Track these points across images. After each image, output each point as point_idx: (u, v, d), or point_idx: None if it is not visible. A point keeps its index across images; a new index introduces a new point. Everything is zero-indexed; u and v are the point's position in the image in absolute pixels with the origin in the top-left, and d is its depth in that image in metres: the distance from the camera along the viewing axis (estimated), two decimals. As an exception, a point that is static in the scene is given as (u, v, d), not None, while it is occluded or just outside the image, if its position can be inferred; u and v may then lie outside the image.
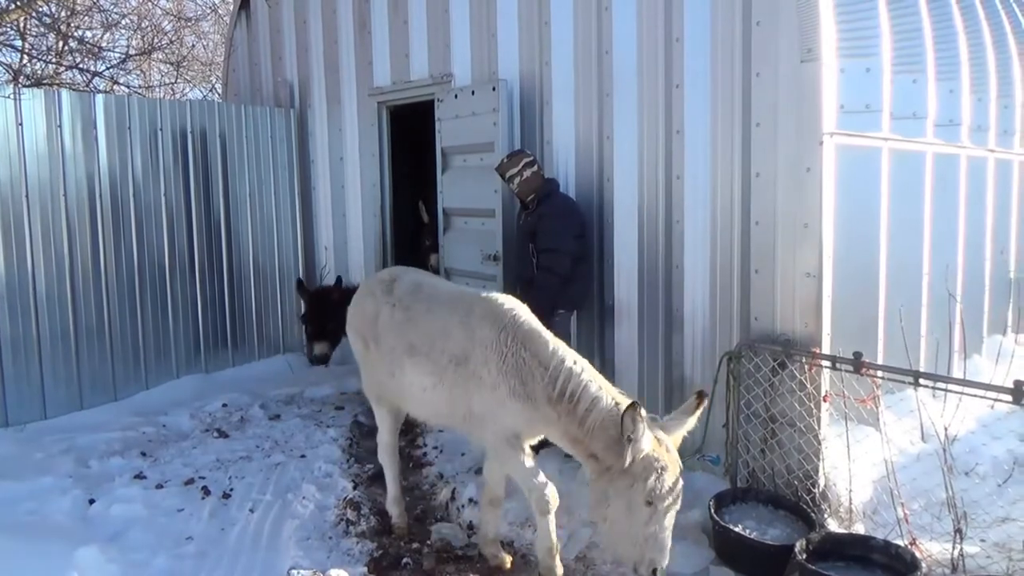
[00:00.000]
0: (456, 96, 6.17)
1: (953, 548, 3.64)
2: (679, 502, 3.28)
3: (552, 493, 3.62)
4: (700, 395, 3.35)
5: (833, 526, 4.02)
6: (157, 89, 12.86)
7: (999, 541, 3.85)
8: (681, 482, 3.28)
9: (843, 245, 4.30)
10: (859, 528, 4.03)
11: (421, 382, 3.90)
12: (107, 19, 9.80)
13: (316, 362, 6.48)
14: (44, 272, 6.13)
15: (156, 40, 9.19)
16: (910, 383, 3.77)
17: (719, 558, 3.94)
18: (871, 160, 4.53)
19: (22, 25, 8.99)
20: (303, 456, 5.52)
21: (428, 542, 4.28)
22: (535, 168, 5.15)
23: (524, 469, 3.62)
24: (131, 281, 6.73)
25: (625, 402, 3.31)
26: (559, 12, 5.46)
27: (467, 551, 4.19)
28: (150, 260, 6.87)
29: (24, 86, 7.63)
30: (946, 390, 3.89)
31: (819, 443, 4.13)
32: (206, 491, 4.89)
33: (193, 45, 13.17)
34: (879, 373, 3.93)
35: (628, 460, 3.15)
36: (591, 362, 3.61)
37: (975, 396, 3.60)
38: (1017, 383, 3.26)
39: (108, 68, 10.15)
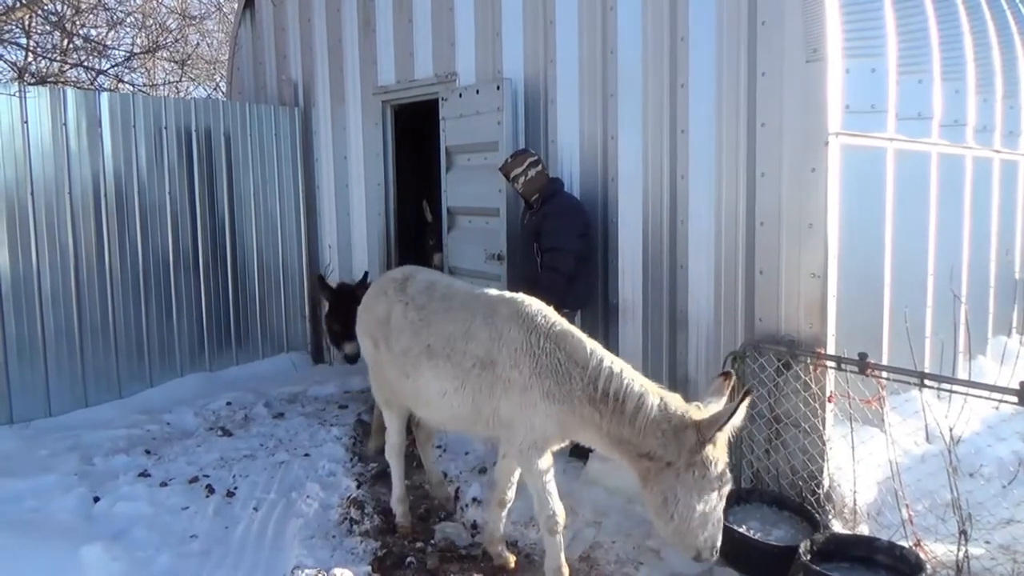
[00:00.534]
0: (460, 95, 6.16)
1: (958, 550, 3.62)
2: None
3: (561, 514, 3.63)
4: (727, 375, 3.43)
5: (837, 527, 4.02)
6: (162, 87, 12.89)
7: (1004, 543, 3.84)
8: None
9: (848, 245, 4.28)
10: (863, 529, 4.02)
11: (441, 386, 3.80)
12: (112, 17, 9.82)
13: (348, 361, 6.22)
14: (49, 270, 6.15)
15: (161, 38, 9.19)
16: (915, 384, 3.76)
17: (723, 559, 3.89)
18: (876, 160, 4.52)
19: (27, 23, 9.01)
20: (307, 455, 5.53)
21: (432, 541, 4.28)
22: (539, 167, 5.15)
23: (543, 482, 3.61)
24: (135, 279, 6.74)
25: (672, 398, 3.38)
26: (564, 11, 5.46)
27: (471, 550, 4.19)
28: (155, 258, 6.88)
29: (29, 84, 7.64)
30: (951, 391, 3.88)
31: (824, 444, 4.12)
32: (210, 489, 4.90)
33: (198, 43, 13.18)
34: (884, 374, 3.91)
35: (704, 453, 3.22)
36: None
37: (980, 397, 3.59)
38: (1023, 384, 3.25)
39: (113, 66, 10.17)
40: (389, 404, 4.42)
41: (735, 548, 3.85)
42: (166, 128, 6.95)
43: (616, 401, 3.35)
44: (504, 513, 4.02)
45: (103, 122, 6.48)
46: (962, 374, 5.08)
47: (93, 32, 10.02)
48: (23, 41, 8.86)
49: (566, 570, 3.70)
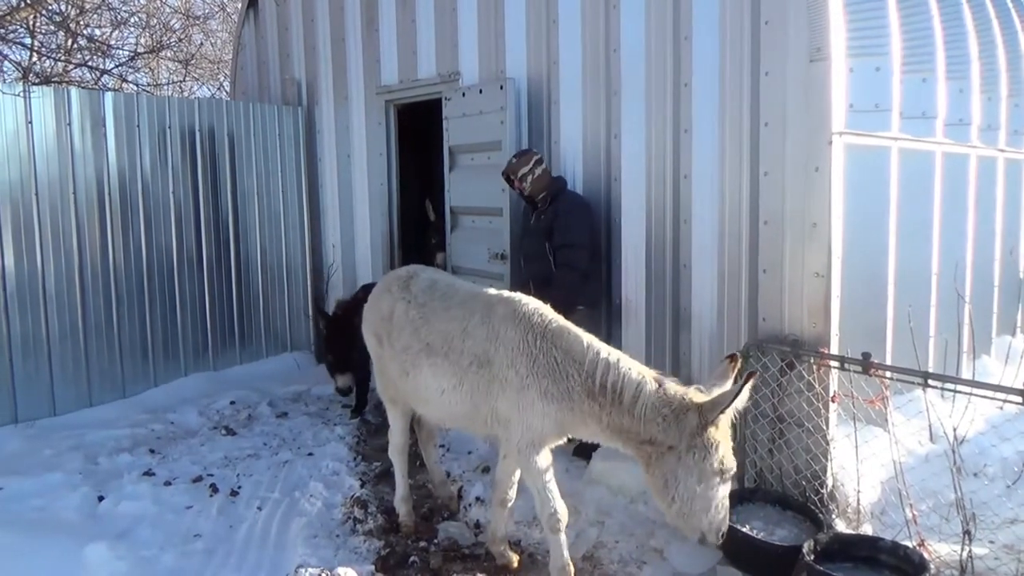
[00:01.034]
0: (464, 95, 6.17)
1: (962, 550, 3.62)
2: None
3: (564, 512, 3.63)
4: (733, 357, 3.44)
5: (841, 527, 4.01)
6: (166, 87, 12.91)
7: (1008, 543, 3.84)
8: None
9: (852, 245, 4.27)
10: (867, 529, 4.01)
11: (439, 384, 3.84)
12: (116, 17, 9.84)
13: (340, 394, 6.19)
14: (53, 270, 6.16)
15: (165, 38, 9.21)
16: (919, 384, 3.76)
17: (726, 558, 3.93)
18: (880, 160, 4.50)
19: (32, 23, 9.02)
20: (311, 454, 5.54)
21: (435, 540, 4.29)
22: (544, 166, 5.16)
23: (543, 481, 3.61)
24: (140, 279, 6.76)
25: (672, 382, 3.41)
26: (567, 11, 5.45)
27: (474, 550, 4.19)
28: (159, 258, 6.90)
29: (34, 84, 7.66)
30: (955, 391, 3.88)
31: (827, 443, 4.12)
32: (214, 488, 4.92)
33: (201, 43, 13.20)
34: (888, 374, 3.91)
35: (705, 435, 3.23)
36: None
37: (984, 397, 3.58)
38: (1027, 384, 3.25)
39: (117, 66, 10.19)
40: (394, 402, 4.44)
41: (739, 548, 3.85)
42: (170, 128, 6.96)
43: (614, 392, 3.37)
44: (506, 512, 4.02)
45: (107, 122, 6.49)
46: (966, 374, 5.07)
47: (97, 32, 10.04)
48: (27, 41, 8.87)
49: (571, 568, 3.70)
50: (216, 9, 12.58)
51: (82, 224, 6.34)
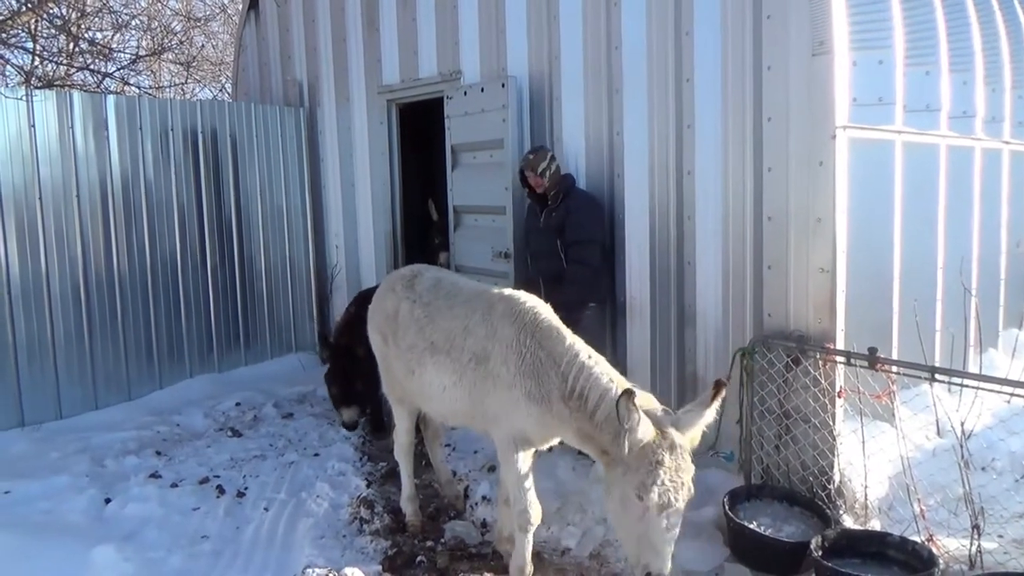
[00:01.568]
0: (465, 93, 6.16)
1: (971, 544, 3.61)
2: (678, 505, 2.96)
3: (535, 513, 3.60)
4: (718, 385, 3.07)
5: (849, 522, 4.00)
6: (167, 90, 12.91)
7: (1017, 537, 3.82)
8: (684, 483, 2.97)
9: (857, 240, 4.26)
10: (875, 524, 4.00)
11: (441, 380, 3.85)
12: (117, 20, 9.85)
13: (347, 428, 5.78)
14: (58, 272, 6.17)
15: (166, 40, 9.21)
16: (926, 378, 3.74)
17: (734, 555, 3.92)
18: (884, 153, 4.48)
19: (33, 27, 9.02)
20: (316, 455, 5.54)
21: (442, 540, 4.28)
22: (556, 162, 5.17)
23: (518, 478, 3.58)
24: (143, 281, 6.77)
25: (643, 397, 3.15)
26: (568, 8, 5.44)
27: (481, 549, 4.19)
28: (162, 260, 6.91)
29: (36, 87, 7.67)
30: (962, 385, 3.86)
31: (834, 439, 4.10)
32: (221, 490, 4.92)
33: (203, 45, 13.21)
34: (894, 368, 3.89)
35: (624, 449, 2.96)
36: None
37: (992, 391, 3.57)
38: (1035, 378, 3.23)
39: (119, 69, 10.20)
40: (400, 401, 4.43)
41: (747, 544, 3.85)
42: (172, 130, 6.96)
43: (581, 397, 3.28)
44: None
45: (110, 125, 6.50)
46: (973, 368, 5.05)
47: (99, 35, 10.05)
48: (29, 45, 8.88)
49: (530, 569, 3.70)
50: (217, 11, 12.58)
51: (86, 227, 6.35)
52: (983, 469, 4.29)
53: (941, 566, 3.47)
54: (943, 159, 4.90)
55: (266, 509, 4.68)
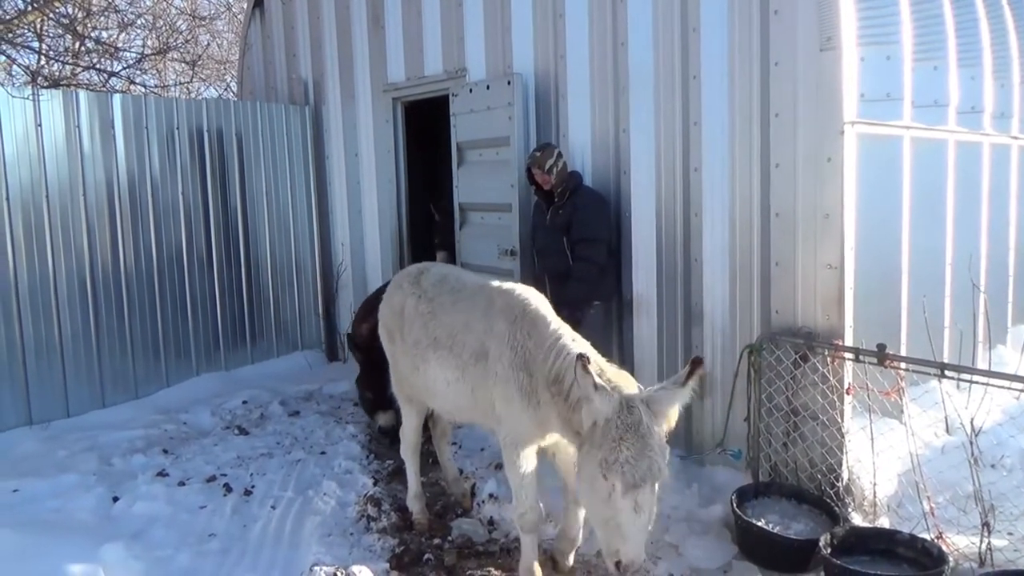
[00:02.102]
0: (471, 91, 6.15)
1: (980, 541, 3.59)
2: (645, 486, 2.79)
3: (535, 516, 3.57)
4: (695, 362, 2.88)
5: (857, 520, 3.99)
6: (173, 88, 12.93)
7: (1027, 534, 3.80)
8: (654, 462, 2.78)
9: (865, 236, 4.24)
10: (883, 522, 3.98)
11: (444, 376, 3.84)
12: (123, 19, 9.86)
13: (383, 435, 5.58)
14: (65, 271, 6.17)
15: (172, 39, 9.22)
16: (935, 375, 3.72)
17: (742, 552, 3.91)
18: (893, 149, 4.47)
19: (39, 26, 9.05)
20: (323, 453, 5.54)
21: (449, 538, 4.28)
22: (564, 160, 5.17)
23: (520, 479, 3.54)
24: (150, 280, 6.77)
25: (618, 375, 3.05)
26: (573, 4, 5.42)
27: (488, 547, 4.18)
28: (168, 259, 6.91)
29: (42, 87, 7.68)
30: (972, 381, 3.84)
31: (842, 436, 4.09)
32: (228, 488, 4.92)
33: (208, 44, 13.22)
34: (903, 365, 3.87)
35: (585, 421, 2.85)
36: (609, 357, 3.51)
37: (1002, 387, 3.55)
38: (1046, 374, 3.21)
39: (124, 68, 10.22)
40: (409, 400, 4.43)
41: (755, 542, 3.83)
42: (178, 129, 6.97)
43: (558, 379, 3.19)
44: (582, 512, 3.75)
45: (116, 124, 6.50)
46: (981, 364, 5.03)
47: (104, 34, 10.06)
48: (35, 45, 8.90)
49: (538, 571, 3.66)
50: (222, 9, 12.59)
51: (92, 226, 6.35)
52: (992, 466, 4.27)
53: (951, 563, 3.45)
54: (951, 155, 4.88)
55: (273, 507, 4.68)
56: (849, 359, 4.02)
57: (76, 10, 8.65)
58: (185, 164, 7.03)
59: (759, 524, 3.83)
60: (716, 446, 4.56)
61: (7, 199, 5.83)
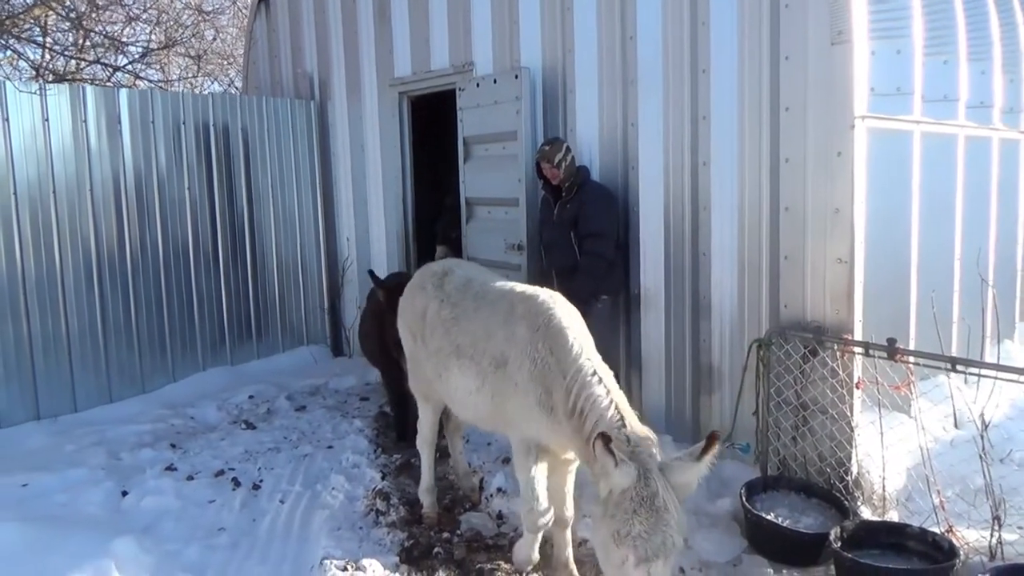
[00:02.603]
0: (478, 85, 6.13)
1: (991, 535, 3.59)
2: (659, 561, 2.71)
3: (542, 520, 3.50)
4: (711, 437, 2.81)
5: (866, 514, 3.99)
6: (176, 84, 12.92)
7: (1038, 528, 3.79)
8: (668, 536, 2.71)
9: (874, 230, 4.23)
10: (893, 516, 3.98)
11: (466, 385, 3.75)
12: (128, 13, 9.85)
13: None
14: (72, 266, 6.18)
15: (179, 34, 9.22)
16: (946, 369, 3.72)
17: (751, 546, 3.91)
18: (902, 144, 4.46)
19: (44, 21, 9.05)
20: (330, 447, 5.55)
21: (458, 532, 4.28)
22: (572, 154, 5.15)
23: (528, 479, 3.48)
24: (156, 275, 6.78)
25: (636, 428, 3.00)
26: (582, -2, 5.41)
27: (497, 540, 4.18)
28: (175, 253, 6.91)
29: (48, 82, 7.68)
30: (981, 375, 3.84)
31: (851, 430, 4.09)
32: (236, 482, 4.93)
33: (214, 38, 13.20)
34: (913, 359, 3.87)
35: (603, 492, 2.83)
36: (616, 352, 3.47)
37: (1012, 381, 3.55)
38: (1058, 368, 3.21)
39: (130, 63, 10.21)
40: (426, 398, 4.39)
41: (765, 536, 3.84)
42: (184, 124, 6.96)
43: (581, 416, 3.11)
44: (567, 534, 3.76)
45: (122, 119, 6.49)
46: (989, 358, 5.02)
47: (109, 29, 10.04)
48: (41, 39, 8.89)
49: (535, 558, 3.70)
50: (227, 3, 12.56)
51: (99, 221, 6.36)
52: (1001, 461, 4.27)
53: (962, 557, 3.45)
54: (960, 149, 4.88)
55: (282, 501, 4.69)
56: (859, 353, 4.02)
57: (82, 2, 8.63)
58: (191, 159, 7.03)
59: (769, 518, 3.83)
60: (724, 440, 4.56)
61: (15, 194, 5.83)
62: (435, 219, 8.23)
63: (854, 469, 4.11)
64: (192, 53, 11.05)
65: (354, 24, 7.55)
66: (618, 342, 5.35)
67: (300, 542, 4.20)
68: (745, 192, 4.59)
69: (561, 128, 5.68)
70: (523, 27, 5.88)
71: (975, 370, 3.74)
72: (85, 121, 6.24)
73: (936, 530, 3.63)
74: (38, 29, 8.85)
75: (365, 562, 3.82)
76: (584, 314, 3.69)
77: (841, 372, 4.07)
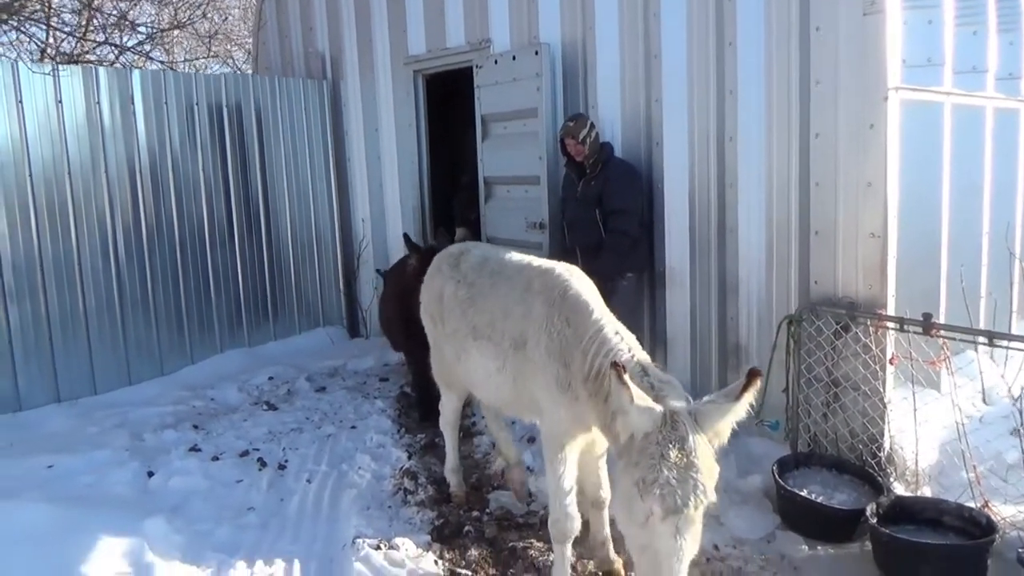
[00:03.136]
0: (496, 62, 6.06)
1: (1028, 510, 3.58)
2: (688, 511, 2.41)
3: (570, 527, 3.29)
4: (752, 374, 2.51)
5: (899, 490, 3.97)
6: (182, 65, 12.78)
7: (1073, 502, 3.78)
8: (698, 484, 2.42)
9: (907, 204, 4.18)
10: (926, 491, 3.97)
11: (485, 367, 3.61)
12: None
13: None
14: (88, 249, 6.15)
15: (191, 14, 9.11)
16: (984, 344, 3.68)
17: (785, 523, 3.90)
18: (934, 116, 4.40)
19: (49, 2, 8.92)
20: (353, 427, 5.54)
21: (488, 510, 4.27)
22: (596, 130, 5.09)
23: (557, 483, 3.25)
24: (172, 256, 6.75)
25: (656, 375, 2.80)
26: (602, -28, 5.33)
27: (528, 519, 4.17)
28: (190, 234, 6.87)
29: (60, 63, 7.60)
30: (1016, 348, 3.80)
31: (884, 406, 4.06)
32: (262, 463, 4.92)
33: (226, 18, 13.08)
34: (949, 334, 3.83)
35: (623, 436, 2.58)
36: (640, 331, 3.36)
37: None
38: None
39: (140, 43, 10.11)
40: (449, 386, 4.33)
41: (799, 512, 3.83)
42: (197, 104, 6.90)
43: (599, 378, 2.92)
44: (604, 514, 3.57)
45: (135, 100, 6.44)
46: (1017, 333, 4.97)
47: (119, 7, 9.92)
48: (50, 20, 8.78)
49: None
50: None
51: (114, 202, 6.31)
52: (1034, 436, 4.24)
53: (1000, 532, 3.44)
54: (989, 121, 4.82)
55: (308, 481, 4.69)
56: (893, 328, 3.98)
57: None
58: (205, 139, 6.97)
59: (803, 494, 3.82)
60: (754, 417, 4.52)
61: (30, 175, 5.79)
62: (451, 197, 8.19)
63: (887, 445, 4.08)
64: (203, 33, 10.94)
65: (367, 1, 7.45)
66: (642, 320, 5.31)
67: (330, 521, 4.20)
68: (773, 167, 4.54)
69: (582, 104, 5.61)
70: (541, 3, 5.79)
71: (1014, 344, 3.68)
72: (99, 102, 6.19)
73: (972, 505, 3.61)
74: (42, 13, 8.72)
75: (397, 540, 3.81)
76: (608, 292, 3.62)
77: (874, 348, 4.04)
